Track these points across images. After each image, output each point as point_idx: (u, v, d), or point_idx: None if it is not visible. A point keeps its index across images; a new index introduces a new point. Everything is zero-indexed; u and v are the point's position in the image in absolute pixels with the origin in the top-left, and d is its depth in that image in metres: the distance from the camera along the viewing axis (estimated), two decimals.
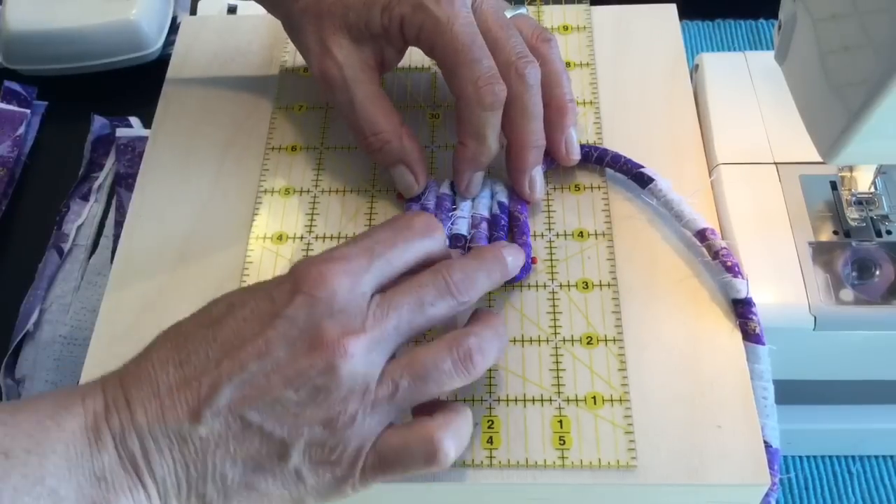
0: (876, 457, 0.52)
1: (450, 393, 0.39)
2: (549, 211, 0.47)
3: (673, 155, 0.49)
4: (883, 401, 0.50)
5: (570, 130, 0.47)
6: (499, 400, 0.41)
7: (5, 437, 0.33)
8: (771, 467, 0.38)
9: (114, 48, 0.69)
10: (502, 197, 0.46)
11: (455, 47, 0.42)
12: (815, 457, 0.52)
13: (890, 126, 0.36)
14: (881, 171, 0.47)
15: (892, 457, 0.52)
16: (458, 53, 0.42)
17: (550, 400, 0.41)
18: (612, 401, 0.40)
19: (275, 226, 0.47)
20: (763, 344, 0.41)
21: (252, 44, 0.56)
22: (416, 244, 0.38)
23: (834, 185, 0.48)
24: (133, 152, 0.66)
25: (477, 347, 0.37)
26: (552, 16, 0.56)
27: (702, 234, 0.44)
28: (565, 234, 0.46)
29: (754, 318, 0.42)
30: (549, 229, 0.46)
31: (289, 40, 0.50)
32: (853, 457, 0.52)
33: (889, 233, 0.47)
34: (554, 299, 0.44)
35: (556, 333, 0.43)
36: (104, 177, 0.66)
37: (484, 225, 0.45)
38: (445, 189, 0.47)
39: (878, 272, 0.45)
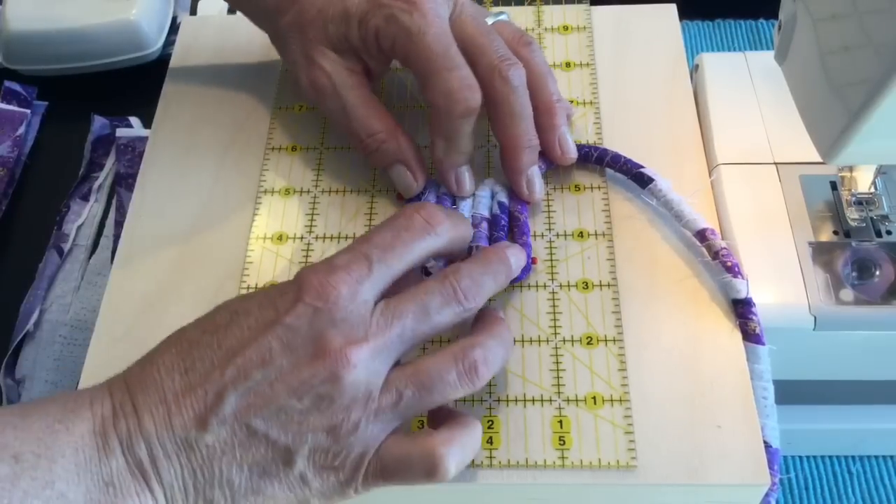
0: (876, 457, 0.52)
1: None
2: (549, 211, 0.47)
3: (673, 155, 0.49)
4: (883, 401, 0.50)
5: (562, 130, 0.47)
6: (499, 400, 0.41)
7: (15, 440, 0.33)
8: (771, 467, 0.38)
9: (114, 48, 0.69)
10: (502, 197, 0.46)
11: (427, 57, 0.43)
12: (815, 457, 0.52)
13: (890, 126, 0.36)
14: (881, 171, 0.47)
15: (892, 457, 0.52)
16: (429, 63, 0.43)
17: (550, 400, 0.41)
18: (612, 401, 0.40)
19: (275, 226, 0.47)
20: (763, 344, 0.41)
21: (252, 44, 0.56)
22: (417, 245, 0.38)
23: (834, 185, 0.48)
24: (133, 152, 0.66)
25: (482, 359, 0.37)
26: (552, 16, 0.56)
27: (702, 235, 0.44)
28: (565, 235, 0.46)
29: (754, 318, 0.42)
30: (549, 229, 0.46)
31: None
32: (853, 457, 0.52)
33: (889, 233, 0.47)
34: (554, 299, 0.44)
35: (556, 333, 0.43)
36: (104, 177, 0.66)
37: (484, 225, 0.45)
38: (445, 189, 0.47)
39: (878, 272, 0.45)
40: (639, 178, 0.46)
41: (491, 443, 0.39)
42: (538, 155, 0.46)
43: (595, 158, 0.48)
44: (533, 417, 0.40)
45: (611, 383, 0.41)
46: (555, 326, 0.43)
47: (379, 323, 0.36)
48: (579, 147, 0.48)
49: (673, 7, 0.56)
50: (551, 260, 0.45)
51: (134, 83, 0.71)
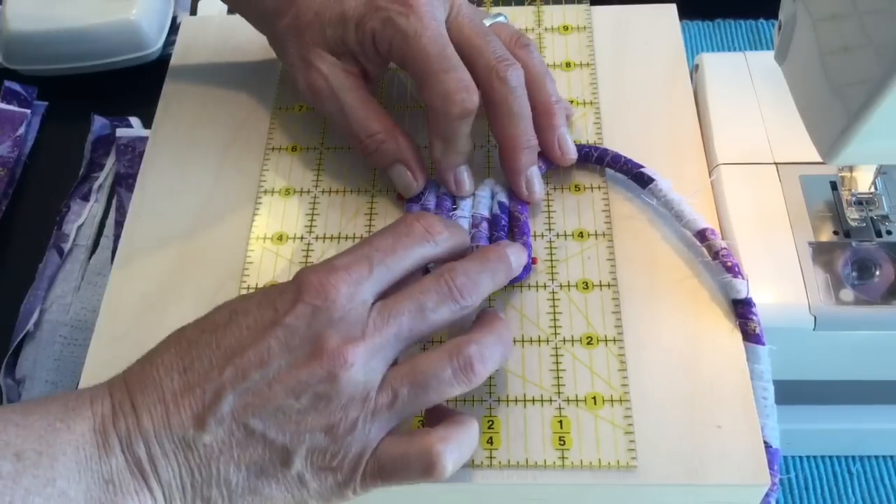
0: (876, 457, 0.52)
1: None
2: (549, 211, 0.47)
3: (673, 155, 0.49)
4: (883, 401, 0.50)
5: (561, 130, 0.47)
6: (499, 400, 0.41)
7: (17, 437, 0.33)
8: (771, 467, 0.38)
9: (114, 48, 0.69)
10: (502, 197, 0.46)
11: (423, 59, 0.43)
12: (815, 457, 0.52)
13: (890, 126, 0.36)
14: (881, 171, 0.47)
15: (892, 457, 0.52)
16: (426, 65, 0.43)
17: (550, 400, 0.41)
18: (612, 401, 0.40)
19: (275, 226, 0.47)
20: (763, 344, 0.41)
21: (252, 44, 0.56)
22: (416, 250, 0.38)
23: (834, 185, 0.48)
24: (133, 152, 0.66)
25: (478, 355, 0.36)
26: (552, 16, 0.56)
27: (702, 235, 0.44)
28: (565, 235, 0.46)
29: (754, 318, 0.42)
30: (550, 229, 0.46)
31: None
32: (853, 457, 0.52)
33: (889, 233, 0.47)
34: (554, 299, 0.44)
35: (556, 334, 0.43)
36: (104, 177, 0.66)
37: (484, 225, 0.45)
38: (445, 189, 0.47)
39: (878, 272, 0.45)
40: (639, 178, 0.46)
41: (491, 443, 0.40)
42: (538, 155, 0.46)
43: (595, 158, 0.48)
44: (533, 417, 0.40)
45: (611, 383, 0.41)
46: (555, 326, 0.43)
47: (376, 322, 0.36)
48: (579, 147, 0.48)
49: (673, 7, 0.56)
50: (551, 260, 0.45)
51: (134, 83, 0.71)
